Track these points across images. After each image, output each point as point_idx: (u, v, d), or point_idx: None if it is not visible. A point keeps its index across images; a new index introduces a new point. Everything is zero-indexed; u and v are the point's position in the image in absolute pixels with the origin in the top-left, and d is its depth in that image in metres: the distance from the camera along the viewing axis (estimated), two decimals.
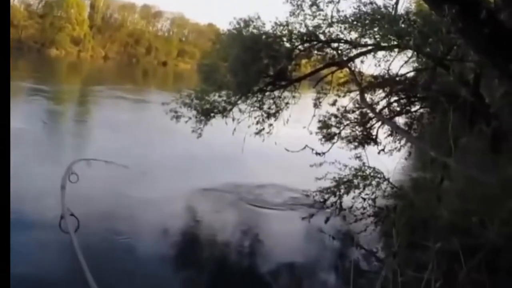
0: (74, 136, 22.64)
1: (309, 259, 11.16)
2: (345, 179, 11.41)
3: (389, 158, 13.68)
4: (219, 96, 13.27)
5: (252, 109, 13.51)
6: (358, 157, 12.01)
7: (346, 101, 13.93)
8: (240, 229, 12.72)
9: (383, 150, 13.98)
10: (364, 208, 11.28)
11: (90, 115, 31.00)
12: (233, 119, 13.37)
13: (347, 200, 11.80)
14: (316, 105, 13.83)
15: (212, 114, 13.30)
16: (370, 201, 11.22)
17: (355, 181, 11.27)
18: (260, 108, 13.57)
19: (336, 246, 11.65)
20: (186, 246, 11.17)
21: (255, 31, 12.31)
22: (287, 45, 12.83)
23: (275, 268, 10.33)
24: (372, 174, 11.22)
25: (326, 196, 11.94)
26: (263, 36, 12.31)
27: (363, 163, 11.67)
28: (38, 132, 21.39)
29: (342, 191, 11.57)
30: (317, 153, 12.87)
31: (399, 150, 14.27)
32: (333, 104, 13.86)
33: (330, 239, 11.25)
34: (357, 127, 13.72)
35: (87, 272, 3.14)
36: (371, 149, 13.65)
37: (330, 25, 12.43)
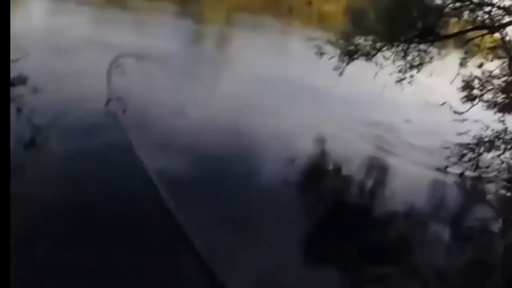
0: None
1: (433, 208, 11.10)
2: (486, 139, 11.36)
3: None
4: (365, 40, 13.36)
5: (396, 57, 13.53)
6: (501, 121, 11.88)
7: (492, 66, 13.65)
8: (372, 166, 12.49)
9: None
10: (499, 171, 11.25)
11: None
12: (376, 64, 13.50)
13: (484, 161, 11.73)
14: (462, 64, 13.66)
15: (355, 56, 13.46)
16: (506, 165, 11.17)
17: (497, 143, 11.21)
18: (404, 58, 13.55)
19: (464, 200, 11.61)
20: None
21: None
22: (439, 1, 12.73)
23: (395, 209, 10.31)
24: None
25: (465, 151, 11.91)
26: None
27: (506, 128, 11.56)
28: None
29: (482, 149, 11.51)
30: (455, 112, 12.83)
31: None
32: (480, 66, 13.63)
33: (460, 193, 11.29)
34: (499, 94, 13.47)
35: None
36: None
37: None
